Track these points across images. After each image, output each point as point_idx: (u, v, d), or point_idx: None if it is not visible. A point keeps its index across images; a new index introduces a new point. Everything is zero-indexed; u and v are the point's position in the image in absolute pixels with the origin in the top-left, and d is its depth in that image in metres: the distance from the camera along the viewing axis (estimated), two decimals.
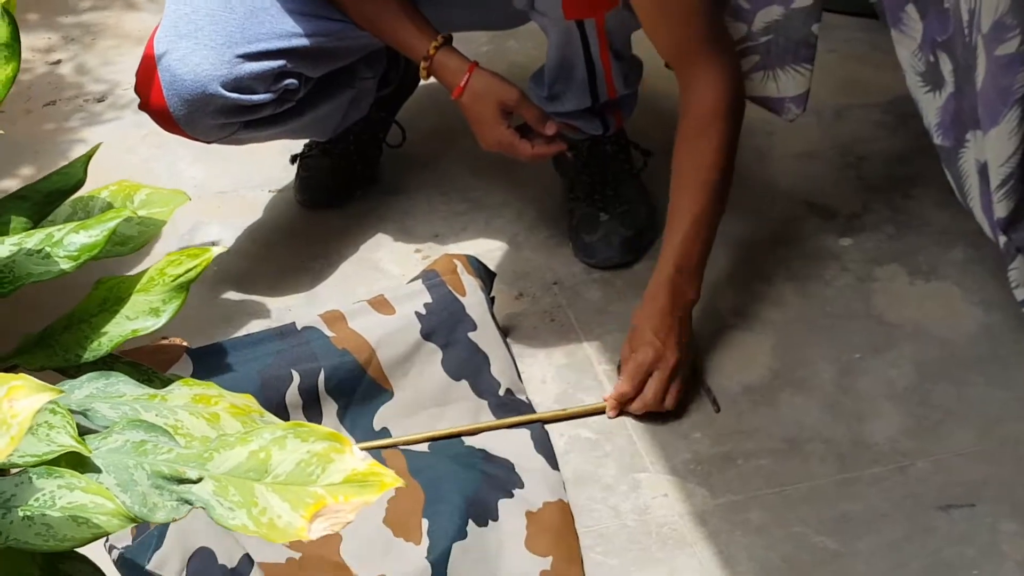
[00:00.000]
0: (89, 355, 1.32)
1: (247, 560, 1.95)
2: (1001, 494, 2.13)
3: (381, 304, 2.30)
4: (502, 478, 2.14)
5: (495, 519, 2.07)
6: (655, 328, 2.26)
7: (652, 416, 2.27)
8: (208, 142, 2.45)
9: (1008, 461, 2.18)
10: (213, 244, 2.63)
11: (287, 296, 2.52)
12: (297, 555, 2.02)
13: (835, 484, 2.17)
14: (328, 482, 1.15)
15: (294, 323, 2.29)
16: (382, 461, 2.14)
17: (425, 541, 2.03)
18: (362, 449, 2.06)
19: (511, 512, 2.09)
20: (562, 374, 2.37)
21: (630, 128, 2.62)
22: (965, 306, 2.44)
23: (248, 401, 1.28)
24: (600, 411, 2.29)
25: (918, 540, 2.08)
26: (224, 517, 1.13)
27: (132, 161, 2.83)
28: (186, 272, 1.35)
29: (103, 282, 1.33)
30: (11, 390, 1.06)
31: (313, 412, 2.21)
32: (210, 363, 2.21)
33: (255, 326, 2.42)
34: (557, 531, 2.08)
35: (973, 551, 2.06)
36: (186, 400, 1.25)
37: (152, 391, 1.27)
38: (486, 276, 2.40)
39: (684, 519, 2.13)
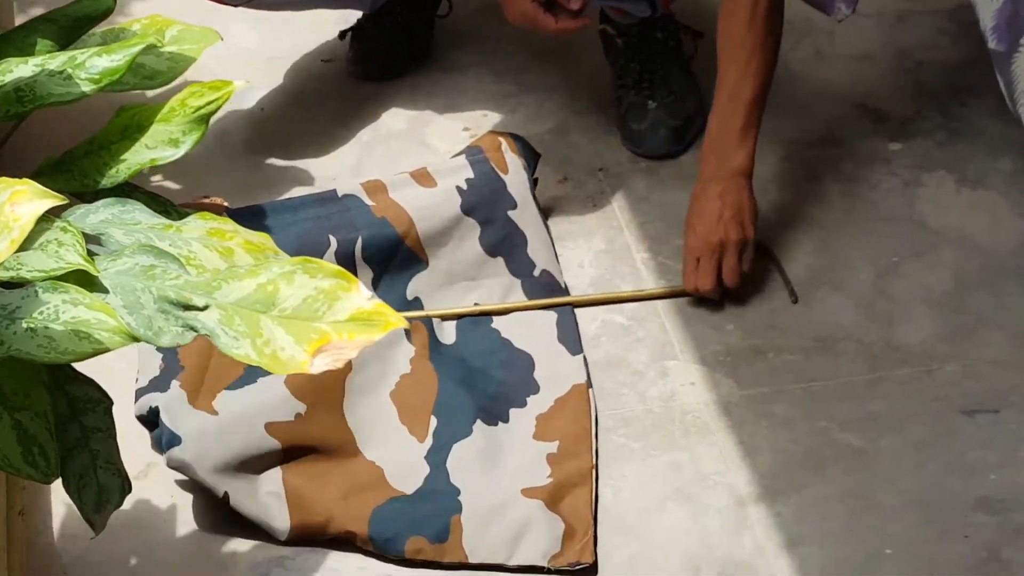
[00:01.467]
0: (107, 181, 1.34)
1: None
2: None
3: (423, 176, 2.31)
4: (517, 386, 2.15)
5: (505, 422, 2.10)
6: (703, 206, 2.25)
7: (684, 305, 2.28)
8: (234, 5, 2.46)
9: None
10: (261, 108, 2.64)
11: (332, 165, 2.53)
12: (303, 408, 2.04)
13: (863, 383, 2.17)
14: (333, 319, 1.16)
15: (335, 190, 2.30)
16: (409, 334, 2.17)
17: (429, 442, 2.06)
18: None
19: (521, 417, 2.11)
20: (600, 260, 2.37)
21: (679, 11, 2.60)
22: (1010, 217, 2.43)
23: (264, 239, 1.29)
24: (630, 299, 2.29)
25: (941, 442, 2.09)
26: (228, 346, 1.15)
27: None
28: (207, 104, 1.36)
29: (125, 110, 1.35)
30: (14, 194, 1.08)
31: None
32: (249, 224, 2.21)
33: (297, 192, 2.44)
34: (568, 417, 2.11)
35: (994, 456, 2.07)
36: (201, 233, 1.27)
37: (167, 221, 1.29)
38: (530, 156, 2.40)
39: (709, 408, 2.15)
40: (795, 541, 1.98)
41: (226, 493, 1.97)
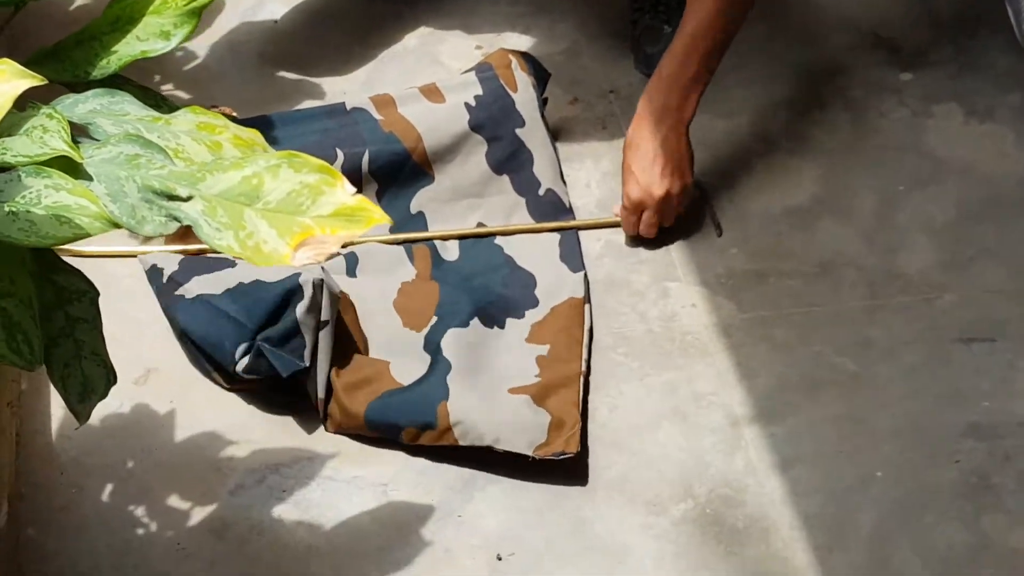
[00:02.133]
0: (98, 72, 1.35)
1: None
2: (1023, 332, 2.14)
3: (432, 92, 2.32)
4: (517, 299, 2.18)
5: (501, 327, 2.12)
6: (643, 154, 2.24)
7: (689, 228, 2.29)
8: None
9: None
10: (275, 21, 2.65)
11: (344, 80, 2.54)
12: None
13: (862, 310, 2.19)
14: (317, 213, 1.17)
15: (343, 103, 2.32)
16: (411, 255, 2.19)
17: (426, 330, 2.10)
18: (397, 242, 2.14)
19: (517, 324, 2.14)
20: (607, 181, 2.38)
21: None
22: (1016, 150, 2.43)
23: (254, 135, 1.30)
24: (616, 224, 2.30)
25: (935, 369, 2.11)
26: (210, 236, 1.16)
27: None
28: None
29: (117, 1, 1.36)
30: None
31: None
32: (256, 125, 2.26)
33: (308, 106, 2.45)
34: (560, 325, 2.13)
35: (987, 384, 2.09)
36: (190, 126, 1.28)
37: (156, 114, 1.30)
38: (541, 75, 2.41)
39: (709, 330, 2.16)
40: (787, 462, 2.00)
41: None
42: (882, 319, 2.17)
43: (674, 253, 2.27)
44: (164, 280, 2.15)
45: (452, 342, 2.07)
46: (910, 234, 2.29)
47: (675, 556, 1.90)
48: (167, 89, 2.45)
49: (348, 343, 2.09)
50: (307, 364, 2.02)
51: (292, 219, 1.17)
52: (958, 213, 2.32)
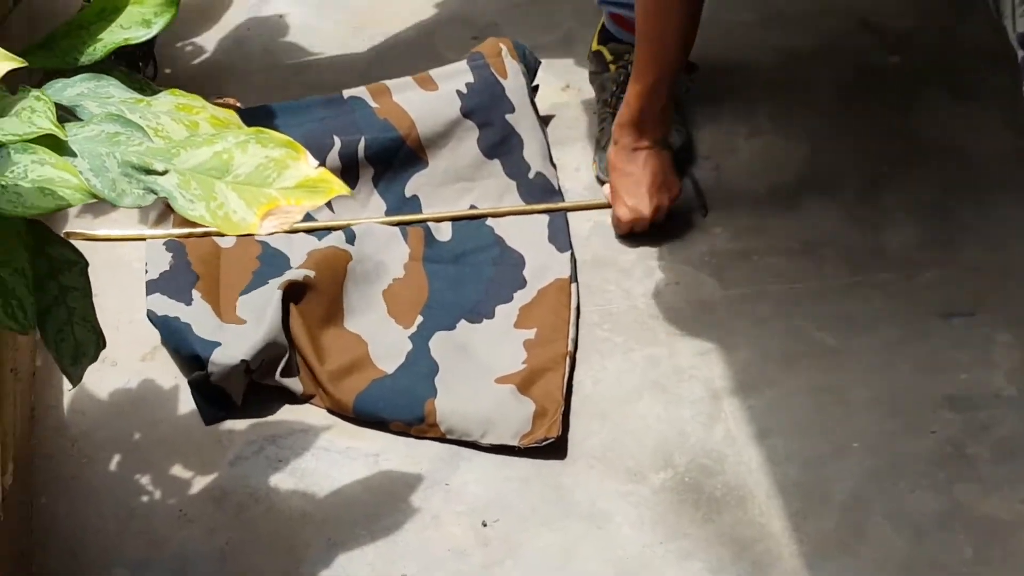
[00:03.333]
0: (85, 59, 1.43)
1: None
2: (1001, 306, 2.21)
3: (425, 80, 2.40)
4: (506, 282, 2.25)
5: (490, 318, 2.20)
6: (628, 179, 2.30)
7: (675, 208, 2.35)
8: None
9: (1015, 276, 2.25)
10: (280, 16, 2.73)
11: (343, 73, 2.61)
12: (312, 273, 2.17)
13: (843, 286, 2.25)
14: (282, 185, 1.25)
15: (341, 93, 2.39)
16: (405, 235, 2.27)
17: (412, 329, 2.18)
18: (393, 224, 2.22)
19: (506, 310, 2.22)
20: (595, 165, 2.44)
21: None
22: (1002, 130, 2.49)
23: (230, 116, 1.38)
24: (608, 205, 2.36)
25: (914, 343, 2.17)
26: (184, 208, 1.24)
27: None
28: None
29: None
30: None
31: (350, 176, 2.33)
32: (258, 124, 2.33)
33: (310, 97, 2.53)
34: (547, 307, 2.20)
35: (966, 357, 2.15)
36: (170, 107, 1.36)
37: (139, 96, 1.38)
38: (531, 63, 2.48)
39: (692, 306, 2.23)
40: (765, 432, 2.06)
41: (248, 366, 2.10)
42: (862, 295, 2.23)
43: (660, 233, 2.33)
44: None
45: (439, 345, 2.15)
46: (893, 213, 2.35)
47: (653, 522, 1.97)
48: (177, 82, 2.53)
49: (324, 301, 2.17)
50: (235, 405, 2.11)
51: (259, 191, 1.25)
52: (942, 192, 2.38)
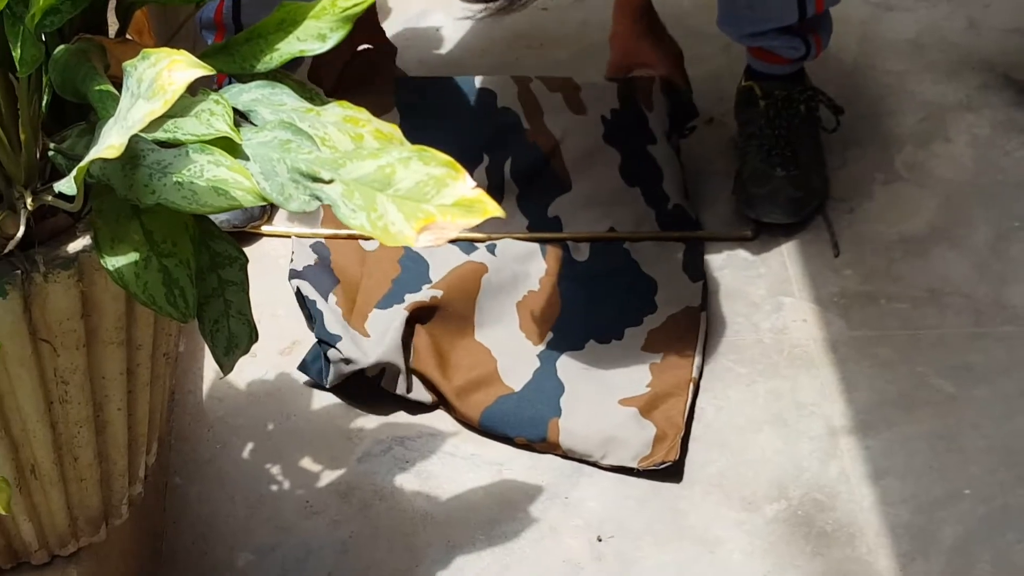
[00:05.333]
0: (262, 67, 1.50)
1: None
2: None
3: (574, 100, 2.48)
4: (637, 306, 2.31)
5: (619, 339, 2.26)
6: None
7: (807, 247, 2.41)
8: None
9: None
10: (436, 29, 2.82)
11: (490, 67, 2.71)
12: (440, 293, 2.24)
13: (965, 336, 2.29)
14: (440, 202, 1.31)
15: (496, 97, 2.48)
16: (544, 252, 2.35)
17: (541, 347, 2.25)
18: (533, 239, 2.28)
19: (635, 333, 2.28)
20: (732, 199, 2.50)
21: (822, 81, 2.62)
22: None
23: (393, 129, 1.45)
24: (744, 237, 2.43)
25: None
26: (346, 216, 1.32)
27: None
28: (354, 5, 1.52)
29: (284, 6, 1.52)
30: (172, 62, 1.27)
31: (496, 193, 2.41)
32: (414, 96, 2.51)
33: None
34: (676, 333, 2.26)
35: None
36: (337, 118, 1.43)
37: (309, 105, 1.46)
38: (686, 102, 2.55)
39: (817, 344, 2.28)
40: (879, 473, 2.11)
41: (376, 375, 2.19)
42: (984, 347, 2.27)
43: (791, 269, 2.39)
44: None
45: (566, 365, 2.21)
46: (1019, 267, 2.39)
47: (764, 552, 2.02)
48: None
49: (455, 317, 2.24)
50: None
51: (418, 206, 1.32)
52: None
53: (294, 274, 2.31)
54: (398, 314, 2.21)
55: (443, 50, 2.78)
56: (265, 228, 2.44)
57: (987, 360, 2.25)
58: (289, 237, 2.42)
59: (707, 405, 2.19)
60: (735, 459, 2.13)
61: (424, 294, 2.24)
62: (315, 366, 2.20)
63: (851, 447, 2.14)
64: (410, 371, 2.19)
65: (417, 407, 2.20)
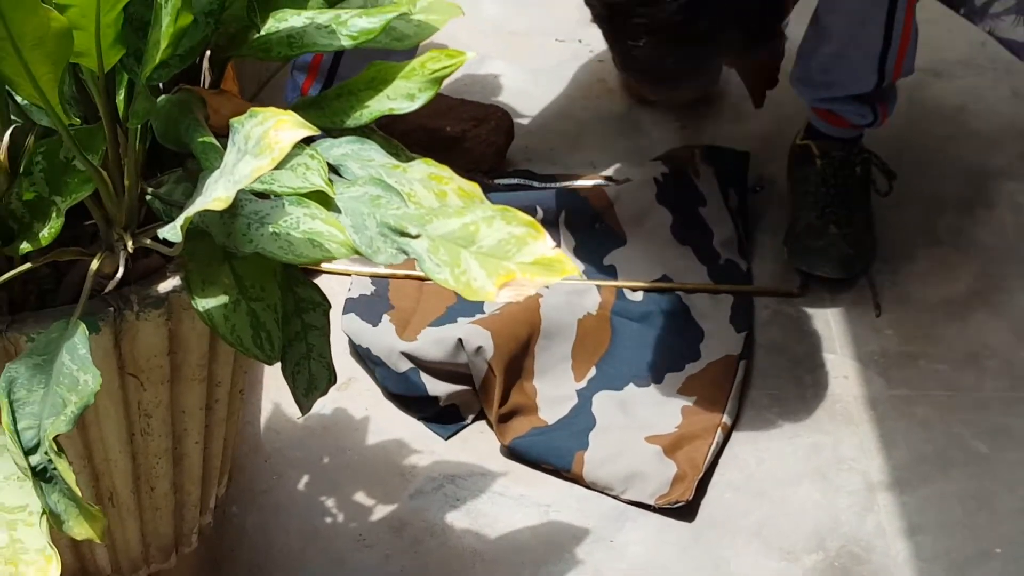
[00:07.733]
0: (351, 122, 1.57)
1: None
2: None
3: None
4: (682, 352, 2.38)
5: (658, 383, 2.34)
6: None
7: (850, 306, 2.48)
8: None
9: None
10: (495, 76, 2.89)
11: (551, 139, 2.77)
12: (490, 340, 2.30)
13: (1002, 400, 2.36)
14: (520, 260, 1.39)
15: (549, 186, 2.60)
16: (599, 289, 2.44)
17: (582, 384, 2.32)
18: (590, 284, 2.35)
19: (674, 378, 2.35)
20: (781, 255, 2.56)
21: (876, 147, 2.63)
22: None
23: (474, 188, 1.52)
24: (791, 293, 2.50)
25: None
26: (432, 270, 1.39)
27: None
28: (443, 68, 1.59)
29: (375, 64, 1.59)
30: (278, 122, 1.35)
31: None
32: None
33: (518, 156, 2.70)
34: (712, 378, 2.34)
35: None
36: (423, 175, 1.51)
37: (396, 162, 1.53)
38: (734, 164, 2.64)
39: (857, 401, 2.35)
40: (914, 529, 2.17)
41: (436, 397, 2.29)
42: (1021, 411, 2.33)
43: (834, 328, 2.46)
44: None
45: (602, 403, 2.29)
46: None
47: None
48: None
49: (518, 361, 2.32)
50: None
51: (499, 263, 1.39)
52: None
53: (348, 306, 2.38)
54: (459, 327, 2.30)
55: (501, 98, 2.85)
56: (325, 265, 2.51)
57: (1022, 424, 2.31)
58: (349, 275, 2.49)
59: (749, 456, 2.26)
60: (775, 510, 2.20)
61: (478, 319, 2.32)
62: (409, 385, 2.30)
63: (888, 502, 2.20)
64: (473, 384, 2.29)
65: (469, 448, 2.27)
